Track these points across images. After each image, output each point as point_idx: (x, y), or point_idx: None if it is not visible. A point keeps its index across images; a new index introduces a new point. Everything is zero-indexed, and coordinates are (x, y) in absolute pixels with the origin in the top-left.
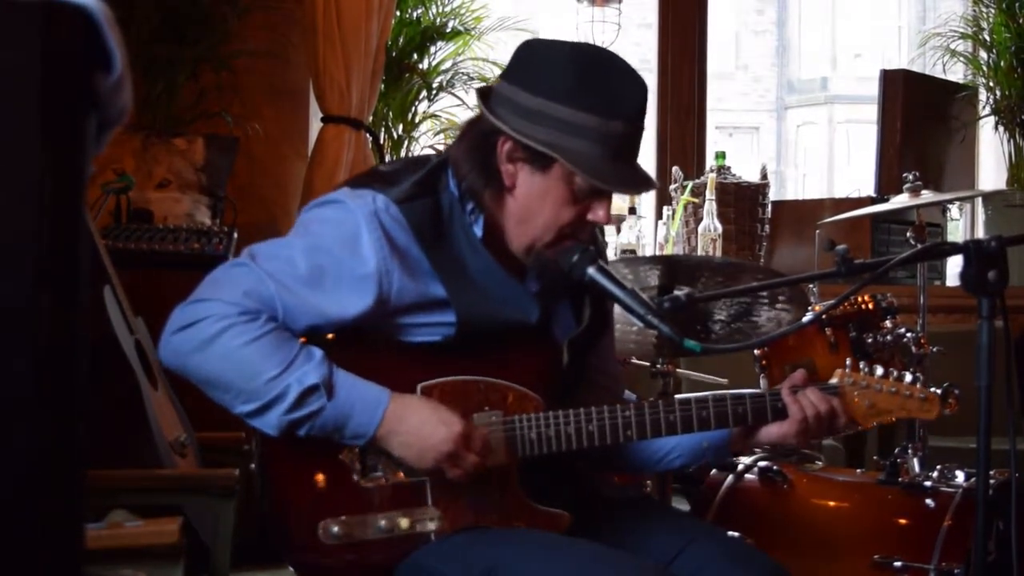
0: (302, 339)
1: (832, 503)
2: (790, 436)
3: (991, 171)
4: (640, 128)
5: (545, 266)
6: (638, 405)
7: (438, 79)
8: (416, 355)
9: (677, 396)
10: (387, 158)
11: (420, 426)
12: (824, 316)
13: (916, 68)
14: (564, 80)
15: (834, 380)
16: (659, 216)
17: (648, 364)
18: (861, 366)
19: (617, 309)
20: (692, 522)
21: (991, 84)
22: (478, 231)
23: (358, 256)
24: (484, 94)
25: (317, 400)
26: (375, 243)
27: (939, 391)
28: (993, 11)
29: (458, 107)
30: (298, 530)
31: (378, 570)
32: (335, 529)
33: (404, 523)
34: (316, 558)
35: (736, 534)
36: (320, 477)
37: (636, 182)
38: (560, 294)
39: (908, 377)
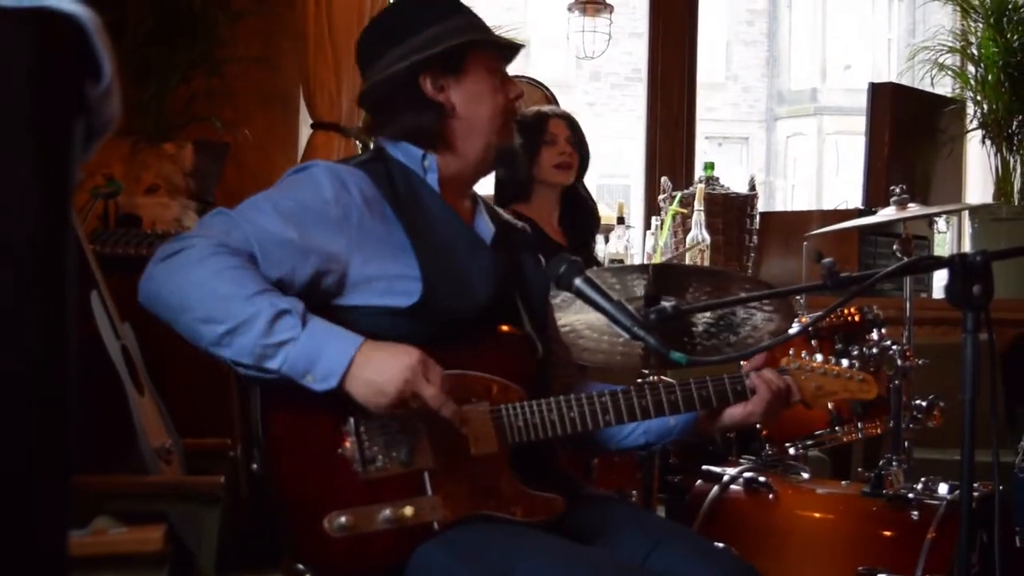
0: None
1: (817, 514)
2: (755, 414)
3: (978, 184)
4: None
5: (508, 155)
6: (613, 392)
7: None
8: None
9: (647, 381)
10: None
11: (381, 360)
12: (811, 328)
13: (905, 81)
14: (414, 16)
15: (782, 365)
16: (647, 226)
17: None
18: (803, 354)
19: (604, 320)
20: (662, 523)
21: (979, 98)
22: (434, 183)
23: (319, 195)
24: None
25: (291, 327)
26: (335, 184)
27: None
28: (981, 25)
29: None
30: (305, 525)
31: (387, 562)
32: (341, 520)
33: (408, 512)
34: (325, 552)
35: (721, 545)
36: (322, 471)
37: (513, 41)
38: (512, 244)
39: (845, 362)
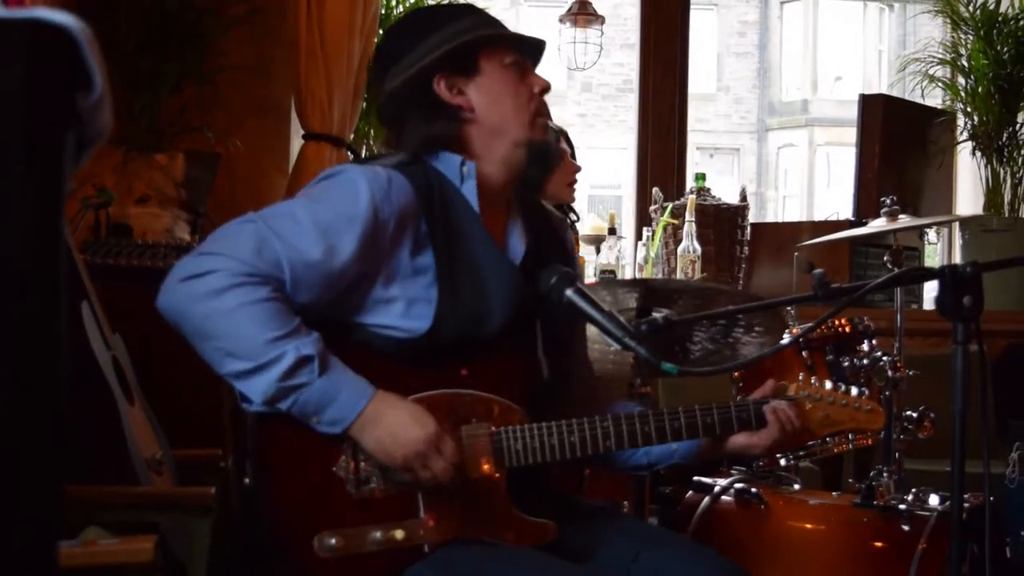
0: None
1: (808, 525)
2: (760, 446)
3: (968, 196)
4: None
5: (542, 152)
6: (615, 417)
7: None
8: (399, 369)
9: (654, 410)
10: None
11: (395, 424)
12: (801, 339)
13: (895, 92)
14: (422, 25)
15: (790, 392)
16: (639, 237)
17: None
18: (812, 380)
19: (595, 330)
20: (648, 528)
21: (969, 110)
22: (471, 193)
23: (357, 207)
24: (379, 82)
25: (308, 373)
26: (377, 194)
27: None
28: (972, 38)
29: None
30: (294, 543)
31: None
32: (331, 542)
33: (399, 535)
34: (313, 572)
35: None
36: (315, 489)
37: (534, 37)
38: (543, 254)
39: (855, 391)
